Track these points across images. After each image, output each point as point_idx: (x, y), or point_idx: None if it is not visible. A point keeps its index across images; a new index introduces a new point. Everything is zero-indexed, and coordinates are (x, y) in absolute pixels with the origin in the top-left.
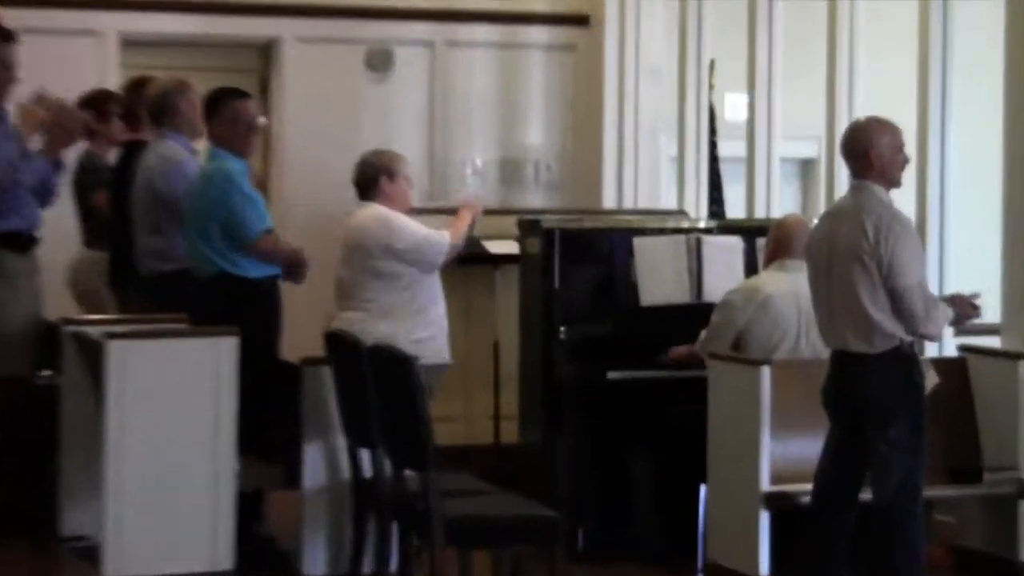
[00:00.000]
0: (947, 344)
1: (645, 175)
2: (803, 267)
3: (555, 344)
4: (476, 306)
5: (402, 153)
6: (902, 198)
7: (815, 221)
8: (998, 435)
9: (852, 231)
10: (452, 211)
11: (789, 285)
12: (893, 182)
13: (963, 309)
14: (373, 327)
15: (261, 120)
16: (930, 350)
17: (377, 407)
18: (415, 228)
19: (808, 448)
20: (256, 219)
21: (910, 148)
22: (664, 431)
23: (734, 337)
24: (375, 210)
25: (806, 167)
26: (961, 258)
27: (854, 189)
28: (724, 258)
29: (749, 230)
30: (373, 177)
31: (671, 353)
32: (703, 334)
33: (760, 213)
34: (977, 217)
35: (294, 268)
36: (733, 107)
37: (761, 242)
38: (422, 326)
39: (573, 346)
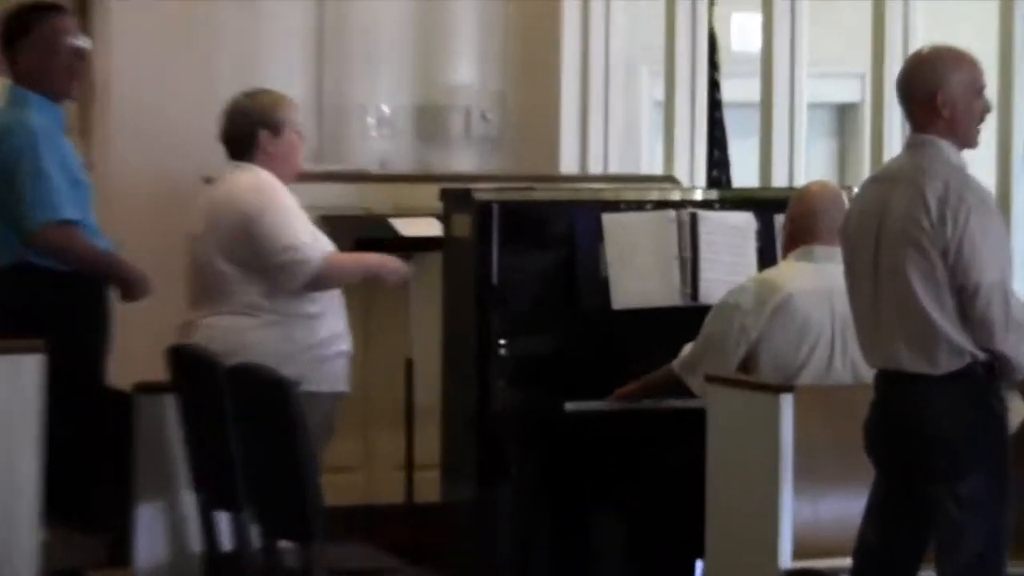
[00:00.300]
0: None
1: (619, 127)
2: (838, 255)
3: (492, 364)
4: (381, 310)
5: (289, 97)
6: (977, 163)
7: (855, 191)
8: None
9: (908, 205)
10: (347, 177)
11: (818, 281)
12: (967, 138)
13: None
14: (256, 338)
15: (83, 43)
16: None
17: (242, 453)
18: (291, 223)
19: (845, 509)
20: (41, 201)
21: (991, 92)
22: (643, 484)
23: (744, 354)
24: (254, 175)
25: (844, 116)
26: None
27: (912, 147)
28: (730, 242)
29: (765, 204)
30: (249, 130)
31: (616, 394)
32: (686, 350)
33: (780, 180)
34: None
35: (121, 283)
36: (742, 33)
37: (781, 220)
38: (326, 338)
39: (517, 366)
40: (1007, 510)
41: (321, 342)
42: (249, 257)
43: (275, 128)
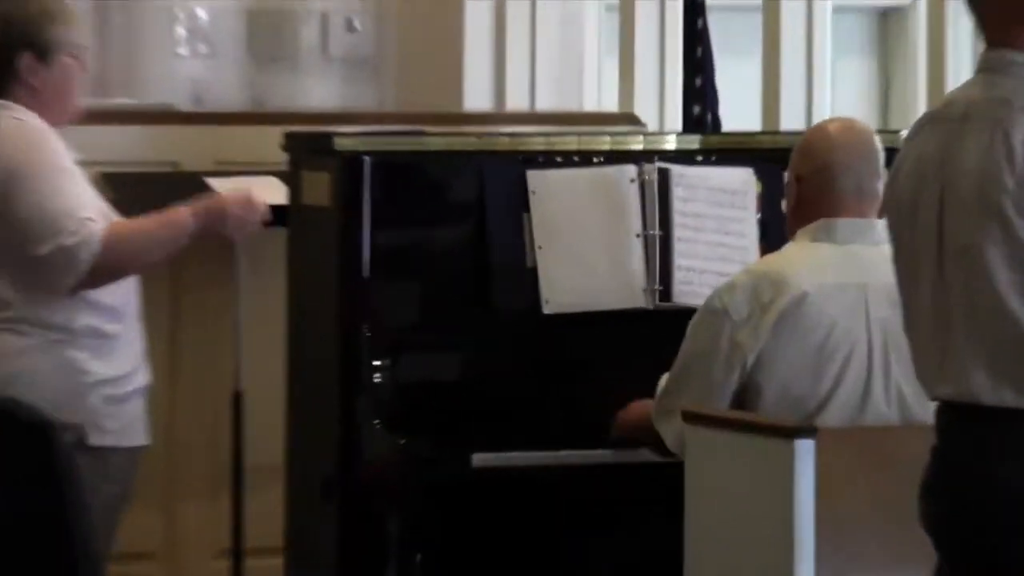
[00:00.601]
0: None
1: (552, 43)
2: (874, 231)
3: (362, 398)
4: (195, 317)
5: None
6: None
7: (905, 136)
8: None
9: (986, 157)
10: (144, 117)
11: (845, 271)
12: None
13: None
14: (25, 365)
15: None
16: None
17: None
18: (66, 191)
19: None
20: None
21: None
22: (597, 571)
23: (739, 383)
24: (15, 121)
25: (887, 24)
26: None
27: (989, 70)
28: (719, 214)
29: (771, 155)
30: (4, 54)
31: (619, 418)
32: (663, 382)
33: (793, 120)
34: None
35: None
36: None
37: None
38: (125, 369)
39: (400, 402)
40: None
41: (118, 376)
42: (8, 234)
43: (43, 50)
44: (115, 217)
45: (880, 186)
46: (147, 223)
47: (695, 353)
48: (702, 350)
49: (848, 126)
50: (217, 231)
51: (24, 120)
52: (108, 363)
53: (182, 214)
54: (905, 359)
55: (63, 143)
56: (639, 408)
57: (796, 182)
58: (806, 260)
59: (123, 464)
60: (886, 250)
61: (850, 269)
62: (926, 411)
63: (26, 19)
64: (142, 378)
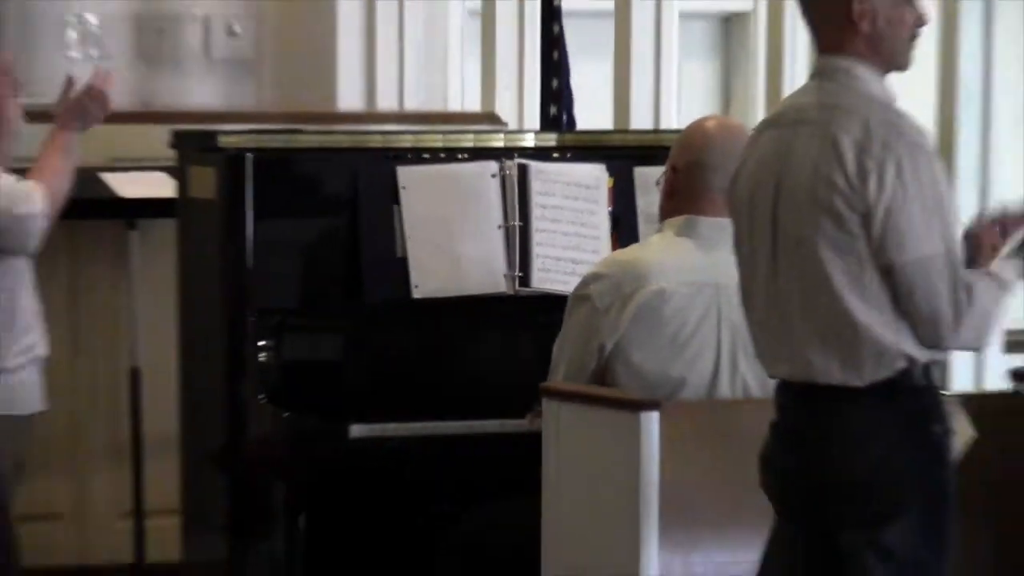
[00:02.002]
0: (987, 366)
1: (419, 46)
2: (730, 233)
3: (248, 375)
4: (93, 300)
5: None
6: (910, 95)
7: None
8: None
9: (817, 156)
10: (38, 115)
11: (703, 270)
12: (894, 59)
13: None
14: None
15: None
16: (959, 377)
17: None
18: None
19: (730, 564)
20: None
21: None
22: (458, 536)
23: (596, 362)
24: None
25: (729, 30)
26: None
27: (820, 75)
28: (574, 207)
29: (622, 152)
30: None
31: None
32: (556, 347)
33: (642, 119)
34: None
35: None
36: None
37: (648, 174)
38: (17, 340)
39: (283, 378)
40: (943, 565)
41: (23, 353)
42: None
43: None
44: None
45: None
46: (53, 158)
47: (567, 334)
48: (573, 332)
49: (725, 126)
50: (88, 122)
51: None
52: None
53: (63, 135)
54: (752, 356)
55: None
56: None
57: (672, 171)
58: (669, 256)
59: (17, 432)
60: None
61: (708, 269)
62: (768, 390)
63: None
64: (39, 347)
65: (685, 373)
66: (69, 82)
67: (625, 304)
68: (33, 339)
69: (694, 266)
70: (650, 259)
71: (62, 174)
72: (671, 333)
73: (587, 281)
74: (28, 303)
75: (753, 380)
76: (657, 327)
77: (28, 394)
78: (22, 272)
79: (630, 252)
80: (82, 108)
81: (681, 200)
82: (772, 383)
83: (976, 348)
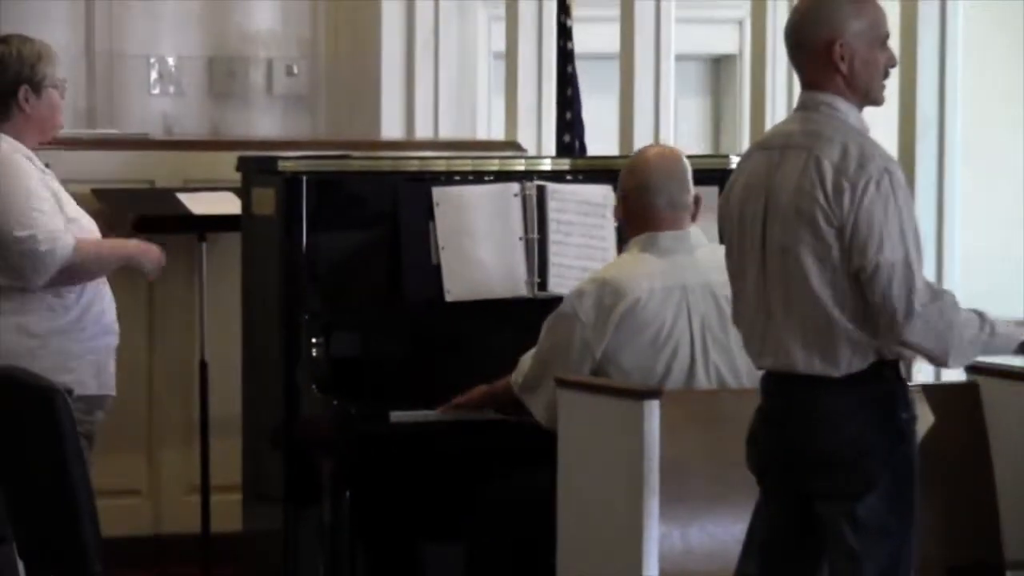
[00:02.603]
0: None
1: (452, 84)
2: (688, 241)
3: (302, 367)
4: (169, 302)
5: (50, 45)
6: (875, 126)
7: (734, 160)
8: None
9: (800, 176)
10: (125, 144)
11: (668, 276)
12: (870, 96)
13: None
14: None
15: None
16: (922, 370)
17: (1, 475)
18: (34, 206)
19: (722, 534)
20: None
21: (894, 43)
22: (485, 508)
23: (589, 369)
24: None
25: (720, 69)
26: (972, 230)
27: (805, 107)
28: (584, 222)
29: None
30: (7, 87)
31: (444, 407)
32: (524, 363)
33: (645, 144)
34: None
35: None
36: None
37: None
38: (73, 328)
39: (332, 370)
40: (910, 535)
41: (68, 328)
42: None
43: (37, 84)
44: (92, 229)
45: (689, 199)
46: (105, 246)
47: (555, 348)
48: (560, 345)
49: (661, 152)
50: (139, 264)
51: (3, 149)
52: (59, 322)
53: (130, 245)
54: (719, 343)
55: (37, 170)
56: (476, 392)
57: (623, 199)
58: (638, 269)
59: (92, 411)
60: (699, 254)
61: (673, 274)
62: (738, 381)
63: (25, 58)
64: (110, 338)
65: (666, 367)
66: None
67: (608, 315)
68: (107, 315)
69: (661, 273)
70: (623, 275)
71: (102, 259)
72: (652, 334)
73: (571, 301)
74: (100, 298)
75: (724, 366)
76: (639, 331)
77: (102, 374)
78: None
79: (605, 271)
80: (149, 259)
81: (637, 221)
82: (741, 367)
83: (937, 356)
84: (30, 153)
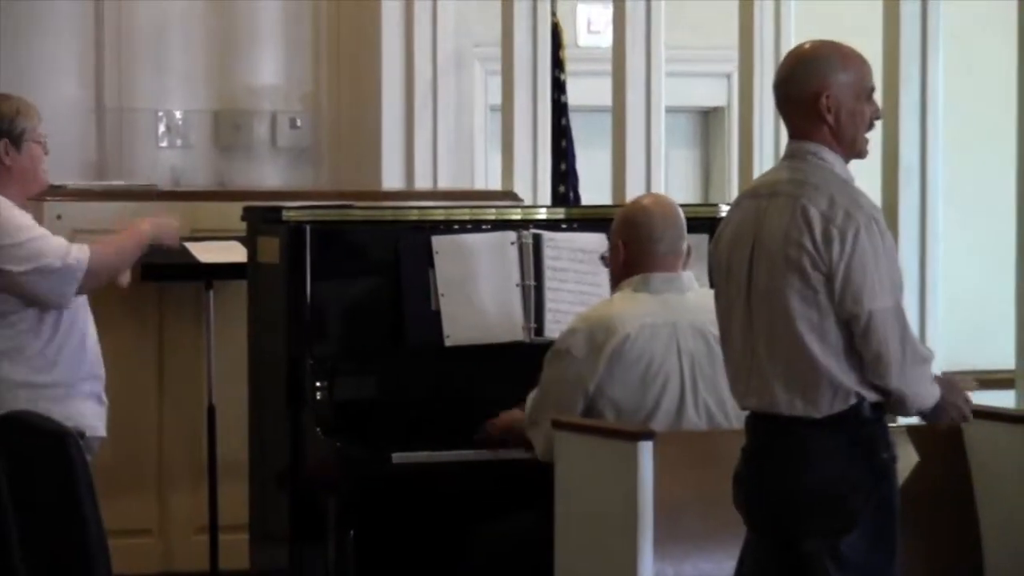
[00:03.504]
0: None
1: (450, 136)
2: (680, 283)
3: (306, 410)
4: (177, 348)
5: (32, 102)
6: (860, 175)
7: (723, 209)
8: (1012, 544)
9: (788, 224)
10: (133, 194)
11: (660, 314)
12: (855, 147)
13: (953, 396)
14: None
15: None
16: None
17: (15, 516)
18: (31, 226)
19: (715, 569)
20: None
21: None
22: (484, 547)
23: (584, 407)
24: None
25: (708, 121)
26: (953, 275)
27: (792, 157)
28: (578, 268)
29: None
30: None
31: (489, 426)
32: (529, 398)
33: (635, 195)
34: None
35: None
36: (591, 23)
37: None
38: (84, 371)
39: (336, 413)
40: (893, 573)
41: (42, 383)
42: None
43: (17, 138)
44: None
45: (684, 246)
46: (118, 239)
47: (550, 383)
48: (555, 380)
49: (659, 200)
50: (161, 241)
51: None
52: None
53: (140, 228)
54: (708, 380)
55: (17, 209)
56: (508, 416)
57: (623, 247)
58: (629, 307)
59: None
60: (690, 296)
61: (663, 312)
62: (727, 419)
63: (1, 115)
64: (97, 369)
65: (656, 402)
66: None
67: (600, 351)
68: (96, 372)
69: (652, 311)
70: (614, 312)
71: (122, 252)
72: (641, 369)
73: (564, 338)
74: (92, 342)
75: (713, 403)
76: (629, 366)
77: (90, 415)
78: (87, 316)
79: (597, 310)
80: (168, 233)
81: (633, 266)
82: (729, 404)
83: (915, 405)
84: (12, 204)
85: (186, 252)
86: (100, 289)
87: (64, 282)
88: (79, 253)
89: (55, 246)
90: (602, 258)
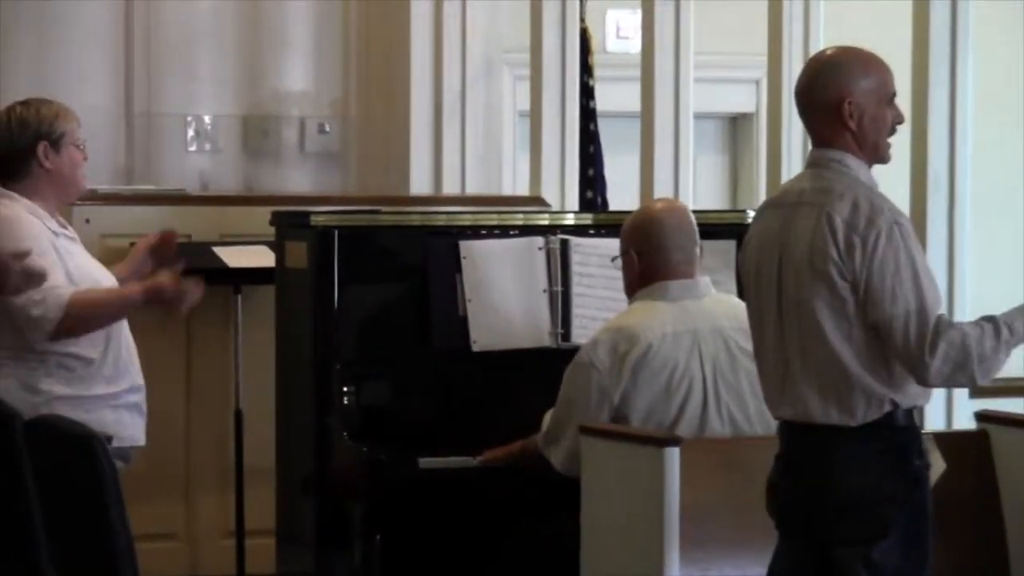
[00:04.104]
0: (957, 409)
1: (479, 142)
2: (697, 289)
3: (333, 415)
4: (205, 352)
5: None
6: (888, 182)
7: (751, 215)
8: None
9: (813, 232)
10: (162, 199)
11: (680, 322)
12: (878, 153)
13: None
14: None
15: None
16: (933, 418)
17: (43, 519)
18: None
19: (737, 575)
20: None
21: (903, 102)
22: (510, 553)
23: (608, 415)
24: (10, 207)
25: (736, 127)
26: (981, 281)
27: (816, 164)
28: (606, 274)
29: None
30: (23, 146)
31: (484, 457)
32: (547, 419)
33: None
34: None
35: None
36: (619, 28)
37: None
38: (75, 383)
39: (363, 418)
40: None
41: (76, 392)
42: None
43: (56, 140)
44: (98, 269)
45: (698, 250)
46: (102, 295)
47: (573, 398)
48: (578, 395)
49: (670, 208)
50: (162, 302)
51: (9, 207)
52: (68, 385)
53: (132, 290)
54: (730, 386)
55: (33, 221)
56: (505, 448)
57: (637, 255)
58: (649, 317)
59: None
60: (707, 301)
61: (683, 320)
62: (749, 422)
63: (42, 118)
64: (136, 379)
65: (680, 409)
66: (167, 242)
67: (623, 361)
68: (130, 366)
69: (673, 319)
70: (635, 323)
71: (101, 309)
72: (665, 378)
73: (586, 351)
74: (120, 327)
75: (735, 408)
76: (653, 376)
77: (129, 425)
78: (122, 325)
79: (618, 321)
80: (160, 295)
81: (649, 275)
82: (751, 408)
83: (966, 383)
84: (43, 213)
85: (214, 256)
86: (79, 333)
87: (35, 328)
88: (54, 304)
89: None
90: (613, 260)
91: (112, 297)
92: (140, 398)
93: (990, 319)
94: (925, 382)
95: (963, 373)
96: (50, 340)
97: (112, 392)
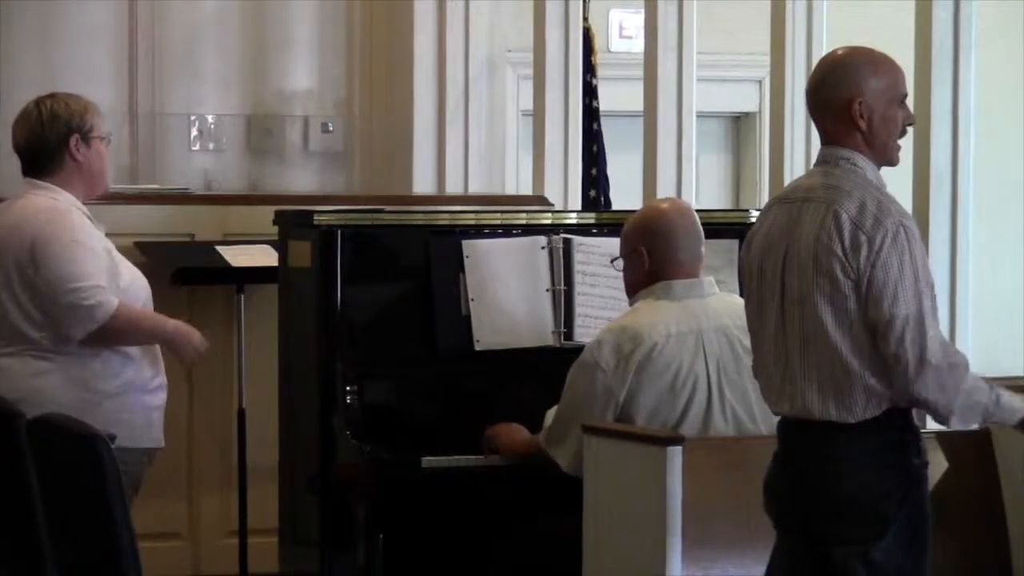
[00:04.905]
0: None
1: (482, 141)
2: (700, 288)
3: (337, 414)
4: (208, 351)
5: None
6: (891, 182)
7: (754, 214)
8: None
9: (819, 229)
10: (166, 198)
11: (684, 322)
12: (887, 153)
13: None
14: (41, 383)
15: None
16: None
17: (46, 519)
18: (83, 259)
19: (744, 574)
20: None
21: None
22: (513, 551)
23: (613, 414)
24: (48, 199)
25: (739, 127)
26: (983, 283)
27: (826, 163)
28: (609, 273)
29: None
30: (55, 139)
31: (502, 444)
32: (549, 418)
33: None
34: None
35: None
36: (622, 28)
37: None
38: (124, 379)
39: (366, 417)
40: (924, 574)
41: (124, 388)
42: (36, 292)
43: (86, 134)
44: (143, 293)
45: (703, 250)
46: (140, 317)
47: (577, 398)
48: (583, 395)
49: (678, 208)
50: (176, 347)
51: (61, 200)
52: (112, 373)
53: (165, 326)
54: (735, 385)
55: (89, 225)
56: (507, 436)
57: (645, 253)
58: (654, 316)
59: (137, 462)
60: (711, 300)
61: (687, 319)
62: (753, 421)
63: (73, 112)
64: (160, 396)
65: (685, 408)
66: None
67: (628, 361)
68: (154, 368)
69: (677, 319)
70: (640, 322)
71: (136, 330)
72: (670, 378)
73: (591, 350)
74: (153, 361)
75: (740, 407)
76: (657, 375)
77: (151, 426)
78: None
79: (622, 320)
80: (188, 342)
81: (655, 273)
82: (756, 407)
83: (942, 412)
84: (88, 212)
85: (217, 255)
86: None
87: (80, 321)
88: (107, 305)
89: (98, 284)
90: (612, 261)
91: (148, 324)
92: (164, 398)
93: (987, 381)
94: (907, 389)
95: (946, 403)
96: (82, 337)
97: (147, 390)
